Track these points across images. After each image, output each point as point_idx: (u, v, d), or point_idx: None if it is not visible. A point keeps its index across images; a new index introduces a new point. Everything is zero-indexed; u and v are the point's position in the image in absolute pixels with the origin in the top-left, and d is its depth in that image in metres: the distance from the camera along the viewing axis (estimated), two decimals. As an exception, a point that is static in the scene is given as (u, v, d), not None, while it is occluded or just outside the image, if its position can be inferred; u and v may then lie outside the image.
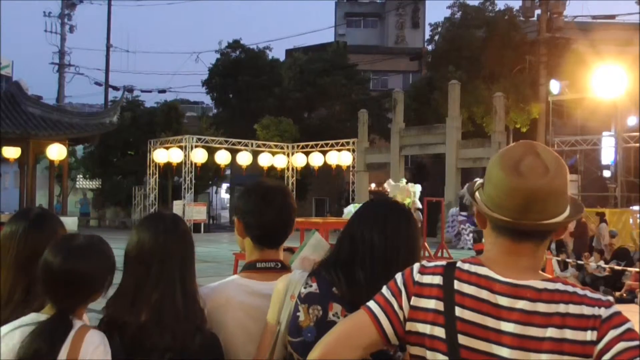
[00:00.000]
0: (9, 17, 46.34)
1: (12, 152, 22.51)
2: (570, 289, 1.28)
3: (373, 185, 28.89)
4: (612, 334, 1.22)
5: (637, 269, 11.92)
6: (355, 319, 1.37)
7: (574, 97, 23.73)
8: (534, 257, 1.33)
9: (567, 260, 13.62)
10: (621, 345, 1.20)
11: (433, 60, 32.73)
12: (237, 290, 1.88)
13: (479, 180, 1.43)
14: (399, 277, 1.39)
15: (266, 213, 1.89)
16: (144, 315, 1.69)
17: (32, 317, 1.68)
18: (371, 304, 1.37)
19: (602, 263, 13.15)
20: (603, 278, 12.83)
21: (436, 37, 32.75)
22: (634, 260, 13.05)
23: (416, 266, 1.40)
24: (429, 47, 35.54)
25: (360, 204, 1.92)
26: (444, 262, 1.38)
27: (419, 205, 16.69)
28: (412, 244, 1.73)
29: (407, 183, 17.56)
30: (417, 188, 17.15)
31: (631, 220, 17.26)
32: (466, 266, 1.34)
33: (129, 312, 1.70)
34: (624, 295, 11.71)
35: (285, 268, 1.94)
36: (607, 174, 27.84)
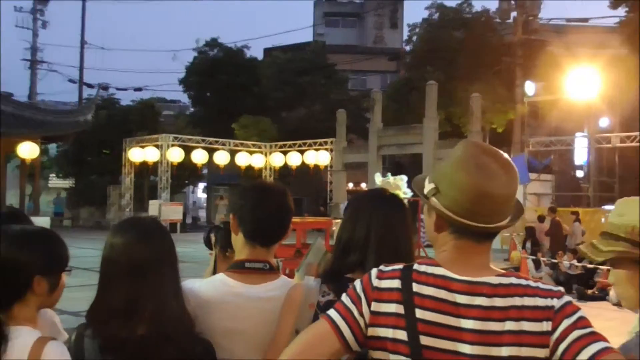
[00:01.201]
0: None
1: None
2: (523, 282, 1.33)
3: (351, 185, 28.94)
4: (566, 323, 1.27)
5: (608, 267, 12.12)
6: (317, 328, 1.38)
7: (549, 98, 24.06)
8: (488, 254, 1.39)
9: (542, 259, 13.79)
10: (576, 333, 1.25)
11: (411, 61, 32.90)
12: (221, 290, 1.86)
13: (427, 181, 1.42)
14: (357, 283, 1.40)
15: (262, 208, 1.88)
16: (142, 328, 1.62)
17: None
18: (331, 312, 1.38)
19: (575, 262, 13.36)
20: (576, 276, 13.03)
21: (414, 38, 32.93)
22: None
23: (374, 271, 1.41)
24: (407, 48, 35.72)
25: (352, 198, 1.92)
26: (400, 266, 1.39)
27: (409, 194, 16.75)
28: (410, 233, 1.73)
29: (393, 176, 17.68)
30: (403, 179, 17.24)
31: (603, 220, 17.52)
32: (423, 268, 1.36)
33: (124, 327, 1.61)
34: (596, 292, 11.91)
35: (273, 270, 1.92)
36: (580, 174, 28.30)
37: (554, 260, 13.54)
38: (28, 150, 22.06)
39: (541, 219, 15.98)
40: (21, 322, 1.59)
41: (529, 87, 24.88)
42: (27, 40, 36.72)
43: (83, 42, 36.66)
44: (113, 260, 1.68)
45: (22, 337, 1.54)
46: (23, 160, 23.24)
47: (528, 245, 15.89)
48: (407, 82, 30.63)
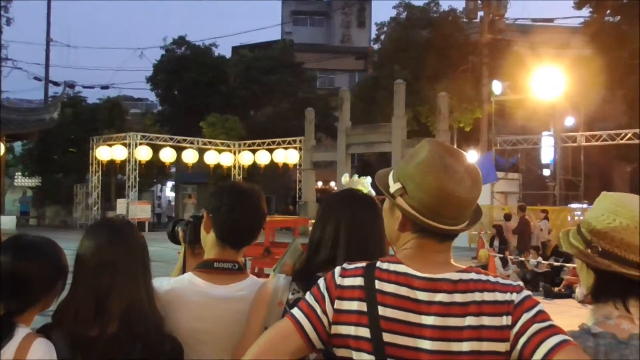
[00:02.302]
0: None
1: (-57, 149, 21.53)
2: (483, 277, 1.35)
3: (320, 184, 28.97)
4: (525, 317, 1.29)
5: (575, 265, 12.35)
6: (280, 327, 1.39)
7: (515, 97, 24.42)
8: (449, 252, 1.41)
9: (509, 257, 14.00)
10: (535, 327, 1.27)
11: (379, 60, 33.07)
12: (189, 290, 1.86)
13: (391, 180, 1.43)
14: (321, 282, 1.41)
15: (236, 211, 1.88)
16: (111, 327, 1.64)
17: None
18: (295, 311, 1.39)
19: (540, 259, 13.57)
20: (542, 274, 13.24)
21: (382, 37, 33.10)
22: (571, 256, 13.50)
23: (337, 269, 1.42)
24: (375, 47, 35.89)
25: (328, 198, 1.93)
26: (363, 264, 1.40)
27: (374, 194, 16.86)
28: (381, 232, 1.75)
29: (358, 177, 17.81)
30: (368, 180, 17.36)
31: (569, 218, 17.87)
32: (385, 265, 1.37)
33: (93, 326, 1.63)
34: (562, 290, 12.12)
35: (241, 270, 1.93)
36: (546, 172, 28.80)
37: (520, 259, 13.76)
38: (-8, 148, 21.61)
39: (507, 217, 16.21)
40: (24, 324, 1.65)
41: (496, 86, 25.22)
42: (-10, 37, 35.82)
43: (49, 40, 35.91)
44: (85, 261, 1.70)
45: (17, 335, 1.58)
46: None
47: (496, 243, 16.09)
48: (375, 80, 30.78)
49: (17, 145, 31.21)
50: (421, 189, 1.35)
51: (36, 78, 36.94)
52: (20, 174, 34.11)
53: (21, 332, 1.58)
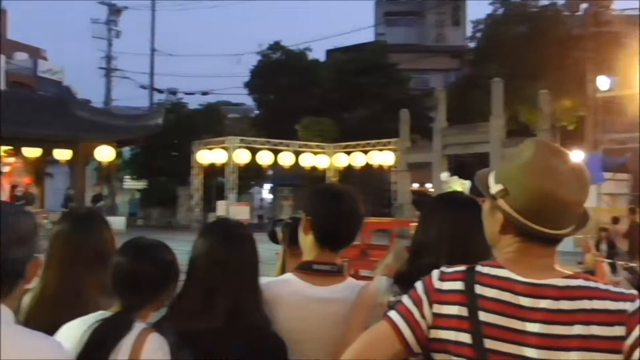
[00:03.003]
0: (61, 26, 47.66)
1: (64, 154, 23.20)
2: (592, 284, 1.29)
3: (416, 185, 28.66)
4: None
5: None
6: (378, 330, 1.38)
7: (624, 93, 23.06)
8: (553, 256, 1.36)
9: (619, 262, 13.24)
10: None
11: (475, 58, 32.33)
12: (288, 289, 1.90)
13: (492, 180, 1.39)
14: (419, 285, 1.40)
15: (334, 214, 1.90)
16: (217, 322, 1.72)
17: (98, 314, 1.74)
18: (392, 314, 1.38)
19: (655, 265, 12.73)
20: (656, 280, 12.42)
21: (478, 34, 32.34)
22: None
23: (436, 272, 1.40)
24: (471, 45, 35.12)
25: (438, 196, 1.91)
26: (463, 267, 1.38)
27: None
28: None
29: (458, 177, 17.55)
30: (467, 183, 17.05)
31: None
32: (486, 269, 1.34)
33: (200, 320, 1.72)
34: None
35: (340, 272, 1.95)
36: (658, 172, 26.97)
37: (632, 264, 12.97)
38: (105, 153, 23.11)
39: (615, 220, 15.34)
40: (141, 319, 1.75)
41: (602, 82, 23.91)
42: (102, 50, 38.34)
43: (153, 50, 37.90)
44: (198, 259, 1.81)
45: (135, 329, 1.68)
46: (100, 163, 24.29)
47: (603, 247, 15.27)
48: (471, 79, 30.11)
49: (126, 151, 33.04)
50: (524, 190, 1.31)
51: (142, 86, 39.08)
52: (128, 177, 36.06)
53: (138, 327, 1.68)
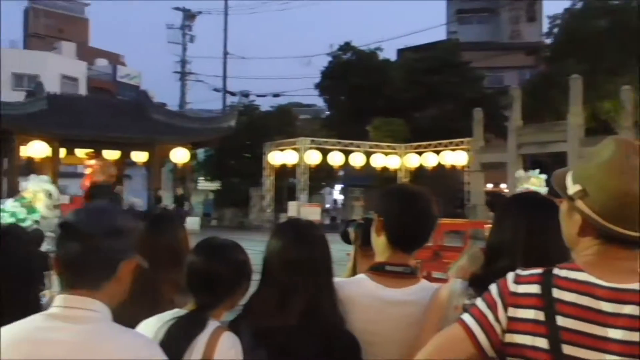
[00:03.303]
0: (138, 32, 49.57)
1: (140, 157, 24.10)
2: None
3: (490, 186, 28.02)
4: None
5: None
6: (451, 333, 1.36)
7: None
8: (636, 260, 1.29)
9: None
10: None
11: (552, 54, 31.27)
12: (361, 290, 1.90)
13: (569, 180, 1.35)
14: (494, 288, 1.37)
15: (406, 215, 1.89)
16: (293, 320, 1.75)
17: (173, 312, 1.79)
18: (466, 317, 1.36)
19: None
20: None
21: (555, 30, 31.27)
22: None
23: (511, 275, 1.36)
24: (547, 41, 34.00)
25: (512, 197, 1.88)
26: (539, 270, 1.34)
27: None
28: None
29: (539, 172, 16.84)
30: (542, 176, 16.41)
31: None
32: (564, 272, 1.30)
33: (275, 318, 1.75)
34: None
35: (414, 274, 1.93)
36: None
37: None
38: (180, 155, 23.85)
39: None
40: (214, 318, 1.79)
41: (689, 77, 22.63)
42: (177, 54, 39.61)
43: (225, 53, 38.81)
44: (272, 258, 1.84)
45: (209, 328, 1.72)
46: (175, 165, 25.08)
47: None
48: (547, 77, 29.15)
49: (200, 153, 33.95)
50: (604, 191, 1.27)
51: (215, 89, 40.08)
52: (202, 178, 37.03)
53: (212, 325, 1.72)
